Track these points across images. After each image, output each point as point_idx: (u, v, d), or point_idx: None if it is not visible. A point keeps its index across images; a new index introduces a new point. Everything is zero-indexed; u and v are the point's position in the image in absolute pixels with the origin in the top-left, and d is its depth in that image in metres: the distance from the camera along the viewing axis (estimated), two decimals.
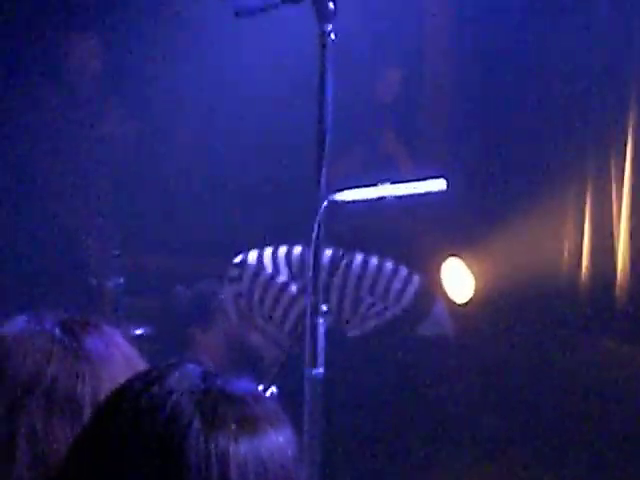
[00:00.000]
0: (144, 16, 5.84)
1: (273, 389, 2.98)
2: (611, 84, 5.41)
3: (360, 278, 4.60)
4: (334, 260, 3.68)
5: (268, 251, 4.57)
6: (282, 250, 4.55)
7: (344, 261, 4.30)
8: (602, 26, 5.39)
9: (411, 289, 4.68)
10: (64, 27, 5.73)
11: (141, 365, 1.46)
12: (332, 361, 2.79)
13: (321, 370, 2.69)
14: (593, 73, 5.45)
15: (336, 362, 2.87)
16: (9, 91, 5.54)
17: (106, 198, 5.53)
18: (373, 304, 4.60)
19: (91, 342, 1.44)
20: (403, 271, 4.75)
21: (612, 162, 5.41)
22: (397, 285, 4.65)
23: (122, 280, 5.13)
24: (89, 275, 5.14)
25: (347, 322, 4.52)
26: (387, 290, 4.65)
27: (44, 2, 5.99)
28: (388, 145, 5.69)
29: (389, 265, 4.72)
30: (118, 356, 1.45)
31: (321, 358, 2.72)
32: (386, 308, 4.60)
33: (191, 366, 1.22)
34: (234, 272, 4.54)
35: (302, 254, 4.20)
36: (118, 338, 1.49)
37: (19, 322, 1.48)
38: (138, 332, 5.03)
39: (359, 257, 4.64)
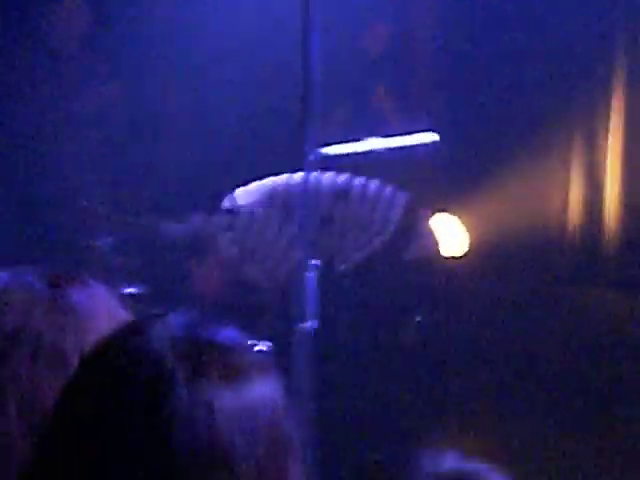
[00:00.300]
0: None
1: (264, 346, 2.98)
2: (595, 35, 5.40)
3: (345, 209, 4.45)
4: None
5: (260, 184, 4.47)
6: (273, 182, 4.42)
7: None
8: None
9: (394, 214, 4.53)
10: None
11: (127, 319, 1.45)
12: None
13: (311, 323, 2.70)
14: (578, 25, 5.43)
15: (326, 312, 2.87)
16: None
17: (94, 156, 5.50)
18: (357, 237, 4.52)
19: (76, 295, 1.44)
20: (386, 193, 4.53)
21: (598, 113, 5.42)
22: (380, 213, 4.49)
23: (111, 239, 5.13)
24: (78, 235, 5.12)
25: (333, 258, 4.42)
26: (371, 220, 4.51)
27: None
28: (378, 99, 5.65)
29: (372, 188, 4.48)
30: (103, 309, 1.45)
31: (312, 312, 2.72)
32: (370, 241, 4.51)
33: (174, 315, 1.21)
34: (228, 203, 4.46)
35: (293, 187, 4.08)
36: (103, 292, 1.49)
37: (2, 277, 1.47)
38: (129, 290, 5.03)
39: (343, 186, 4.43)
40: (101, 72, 5.65)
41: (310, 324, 2.69)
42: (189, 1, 5.66)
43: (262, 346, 3.82)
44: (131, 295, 5.06)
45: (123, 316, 1.47)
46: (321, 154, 2.73)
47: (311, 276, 2.73)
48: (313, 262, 2.75)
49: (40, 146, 5.45)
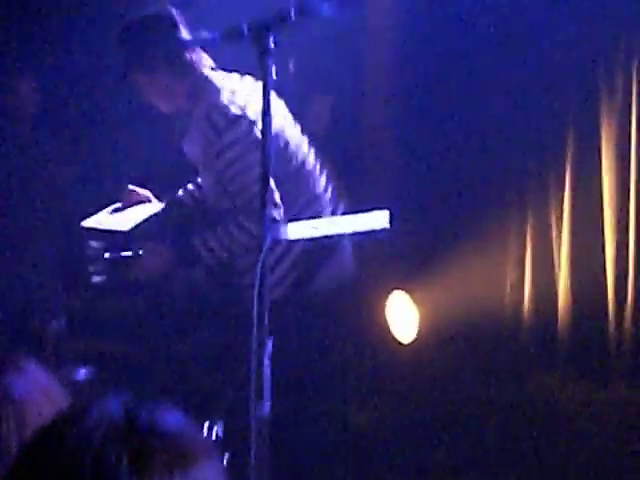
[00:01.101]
0: None
1: (218, 427, 2.95)
2: (548, 115, 5.48)
3: None
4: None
5: None
6: None
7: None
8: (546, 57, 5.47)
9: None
10: None
11: (66, 403, 1.43)
12: None
13: (267, 404, 2.68)
14: (529, 103, 5.52)
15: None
16: None
17: (49, 235, 5.47)
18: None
19: (12, 384, 1.41)
20: None
21: (552, 193, 5.49)
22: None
23: (64, 322, 5.08)
24: (32, 316, 5.08)
25: None
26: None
27: None
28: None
29: None
30: (41, 395, 1.42)
31: (267, 394, 2.70)
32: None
33: (114, 400, 1.17)
34: None
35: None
36: (42, 377, 1.46)
37: None
38: (81, 375, 4.98)
39: None
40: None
41: (267, 405, 2.67)
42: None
43: (216, 427, 3.78)
44: (82, 379, 5.01)
45: (62, 400, 1.44)
46: (277, 236, 2.75)
47: (268, 355, 2.72)
48: (269, 344, 2.74)
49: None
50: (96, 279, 3.95)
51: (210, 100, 3.83)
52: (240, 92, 3.86)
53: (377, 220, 2.99)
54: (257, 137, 3.60)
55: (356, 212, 2.93)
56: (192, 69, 3.72)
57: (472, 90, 5.66)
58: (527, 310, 5.58)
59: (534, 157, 5.58)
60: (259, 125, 3.70)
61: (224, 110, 3.77)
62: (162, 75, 3.82)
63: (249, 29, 2.69)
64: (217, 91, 3.83)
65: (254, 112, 3.77)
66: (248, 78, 3.94)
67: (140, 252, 4.00)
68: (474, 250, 5.54)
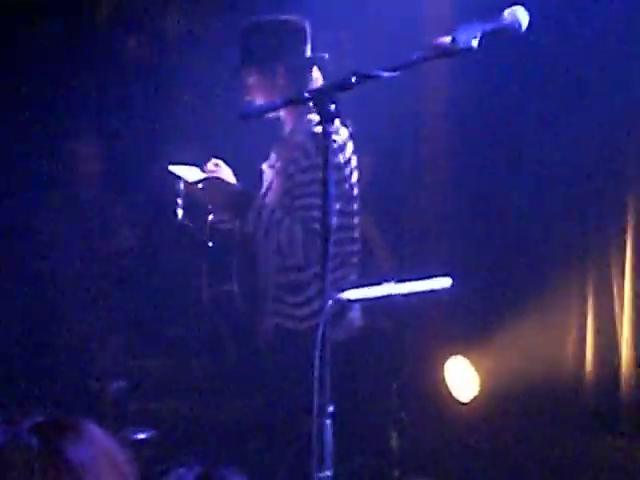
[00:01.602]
0: None
1: None
2: (608, 178, 5.45)
3: None
4: None
5: None
6: None
7: None
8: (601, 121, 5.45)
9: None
10: None
11: (127, 466, 1.42)
12: None
13: (329, 473, 2.65)
14: (593, 168, 5.49)
15: None
16: None
17: (110, 300, 5.52)
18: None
19: (71, 449, 1.40)
20: None
21: (613, 256, 5.43)
22: None
23: (125, 384, 5.10)
24: (91, 378, 5.11)
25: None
26: None
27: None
28: (371, 241, 5.63)
29: None
30: (102, 459, 1.42)
31: (328, 461, 2.68)
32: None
33: (184, 471, 1.17)
34: None
35: None
36: (100, 439, 1.45)
37: None
38: (141, 436, 4.98)
39: None
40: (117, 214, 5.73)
41: (328, 473, 2.65)
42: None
43: None
44: (141, 440, 5.02)
45: (124, 464, 1.43)
46: (339, 299, 2.74)
47: (328, 423, 2.70)
48: (330, 409, 2.72)
49: (54, 290, 5.49)
50: (179, 214, 3.96)
51: (309, 128, 3.87)
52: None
53: (439, 283, 2.98)
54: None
55: (417, 278, 2.91)
56: (304, 85, 3.74)
57: (531, 153, 5.66)
58: (589, 372, 5.50)
59: (595, 220, 5.54)
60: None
61: (317, 138, 3.79)
62: (279, 77, 3.92)
63: (310, 94, 2.73)
64: (312, 121, 3.86)
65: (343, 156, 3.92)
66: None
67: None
68: (535, 313, 5.49)
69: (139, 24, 7.05)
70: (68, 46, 6.49)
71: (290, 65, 3.94)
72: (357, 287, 2.82)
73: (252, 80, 4.01)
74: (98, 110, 6.32)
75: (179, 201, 3.92)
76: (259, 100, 3.99)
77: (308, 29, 4.01)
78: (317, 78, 3.97)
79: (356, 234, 4.07)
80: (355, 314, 4.07)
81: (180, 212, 3.92)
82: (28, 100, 6.18)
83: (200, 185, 3.95)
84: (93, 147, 5.66)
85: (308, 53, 4.00)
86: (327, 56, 4.00)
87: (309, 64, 3.97)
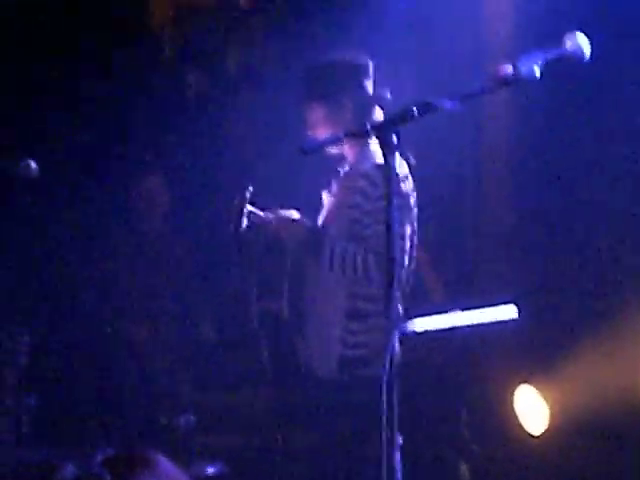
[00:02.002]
0: None
1: None
2: None
3: None
4: None
5: None
6: None
7: None
8: None
9: None
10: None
11: None
12: None
13: None
14: None
15: None
16: None
17: (174, 334, 5.56)
18: None
19: (142, 478, 1.42)
20: None
21: None
22: None
23: (193, 418, 5.12)
24: (160, 413, 5.14)
25: None
26: None
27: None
28: (426, 276, 5.61)
29: None
30: None
31: None
32: None
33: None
34: None
35: None
36: (170, 470, 1.47)
37: (68, 471, 1.46)
38: (211, 470, 5.00)
39: None
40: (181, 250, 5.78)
41: None
42: None
43: None
44: (212, 476, 5.04)
45: None
46: (405, 329, 2.74)
47: (397, 455, 2.70)
48: (399, 441, 2.72)
49: (121, 325, 5.54)
50: (242, 229, 4.01)
51: (373, 159, 3.94)
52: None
53: (505, 312, 2.97)
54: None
55: (484, 306, 2.90)
56: (368, 121, 3.79)
57: (591, 183, 5.62)
58: None
59: None
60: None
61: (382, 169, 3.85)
62: (345, 111, 4.03)
63: (372, 127, 2.74)
64: (376, 153, 3.94)
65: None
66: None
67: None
68: (606, 341, 5.41)
69: (201, 60, 7.15)
70: (129, 82, 6.61)
71: (355, 100, 4.02)
72: (421, 316, 2.82)
73: (317, 115, 4.09)
74: (160, 145, 6.41)
75: (244, 210, 3.98)
76: (321, 135, 4.05)
77: (371, 67, 4.10)
78: (379, 116, 4.05)
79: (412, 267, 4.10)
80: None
81: (244, 222, 3.99)
82: (90, 134, 6.30)
83: (274, 222, 4.02)
84: (156, 182, 5.72)
85: (371, 90, 4.09)
86: (389, 95, 4.08)
87: (373, 100, 4.06)
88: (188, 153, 6.51)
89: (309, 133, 4.10)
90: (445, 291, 5.57)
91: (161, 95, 6.89)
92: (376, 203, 3.92)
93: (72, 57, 6.33)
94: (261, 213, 4.09)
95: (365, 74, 4.10)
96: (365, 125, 2.78)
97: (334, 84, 4.06)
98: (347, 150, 4.10)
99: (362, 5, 6.09)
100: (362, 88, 4.07)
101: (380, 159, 3.94)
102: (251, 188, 4.07)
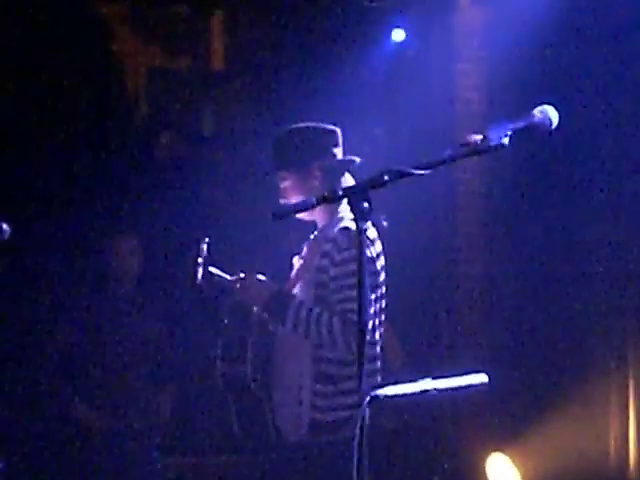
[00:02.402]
0: None
1: None
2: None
3: None
4: None
5: None
6: None
7: None
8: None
9: None
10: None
11: None
12: None
13: None
14: (625, 253, 5.47)
15: None
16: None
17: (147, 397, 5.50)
18: None
19: None
20: None
21: None
22: None
23: None
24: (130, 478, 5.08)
25: None
26: None
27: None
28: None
29: None
30: None
31: None
32: None
33: None
34: None
35: None
36: None
37: None
38: None
39: None
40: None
41: None
42: None
43: None
44: None
45: None
46: (376, 396, 2.73)
47: None
48: None
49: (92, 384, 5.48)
50: (199, 280, 4.01)
51: (339, 223, 3.97)
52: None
53: (475, 379, 2.96)
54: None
55: (454, 375, 2.90)
56: (337, 186, 3.82)
57: (565, 238, 5.67)
58: (633, 468, 5.41)
59: (633, 311, 5.49)
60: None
61: (348, 233, 3.90)
62: (313, 179, 4.08)
63: (344, 192, 2.76)
64: (341, 216, 3.98)
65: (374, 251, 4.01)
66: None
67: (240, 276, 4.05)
68: (575, 408, 5.42)
69: (175, 121, 7.19)
70: (101, 142, 6.63)
71: (325, 167, 4.07)
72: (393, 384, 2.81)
73: (287, 183, 4.14)
74: (134, 212, 6.40)
75: (200, 260, 4.00)
76: (293, 201, 4.08)
77: (339, 134, 4.14)
78: (349, 181, 4.08)
79: (380, 333, 4.10)
80: None
81: (200, 273, 4.01)
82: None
83: (238, 285, 4.02)
84: (127, 242, 5.69)
85: (340, 156, 4.14)
86: (358, 160, 4.12)
87: (342, 167, 4.10)
88: (162, 216, 6.51)
89: (281, 200, 4.14)
90: (406, 360, 5.55)
91: (134, 156, 6.91)
92: (342, 267, 3.94)
93: (41, 117, 6.35)
94: (227, 276, 4.10)
95: (333, 141, 4.15)
96: (336, 190, 2.80)
97: (302, 152, 4.11)
98: (317, 215, 4.13)
99: (336, 71, 6.16)
100: (330, 155, 4.12)
101: (348, 223, 4.02)
102: (207, 240, 4.09)
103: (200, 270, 4.02)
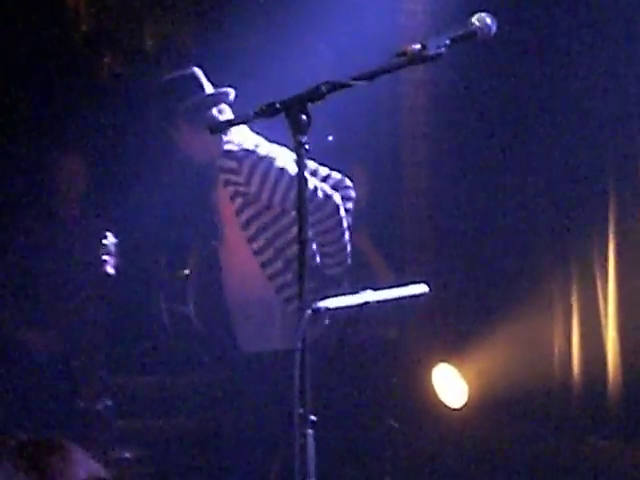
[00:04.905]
0: None
1: None
2: (591, 187, 5.44)
3: None
4: None
5: None
6: None
7: None
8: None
9: None
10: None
11: None
12: None
13: None
14: (574, 171, 5.50)
15: None
16: None
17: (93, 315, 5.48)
18: None
19: (55, 467, 1.43)
20: None
21: (596, 261, 5.43)
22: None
23: (111, 403, 5.08)
24: (78, 398, 5.08)
25: None
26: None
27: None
28: (365, 252, 5.66)
29: None
30: (83, 477, 1.44)
31: (311, 470, 2.68)
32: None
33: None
34: None
35: None
36: (84, 459, 1.48)
37: None
38: (128, 455, 4.97)
39: None
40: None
41: None
42: None
43: None
44: (126, 459, 5.02)
45: None
46: (317, 308, 2.74)
47: (310, 433, 2.70)
48: (312, 418, 2.72)
49: (39, 307, 5.46)
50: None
51: (218, 149, 4.07)
52: (260, 144, 4.04)
53: (417, 289, 2.98)
54: (274, 160, 4.00)
55: (395, 286, 2.91)
56: (211, 124, 3.86)
57: (508, 151, 5.68)
58: (576, 373, 5.50)
59: (577, 221, 5.53)
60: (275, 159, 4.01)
61: (231, 152, 4.02)
62: (186, 130, 4.16)
63: (281, 105, 2.73)
64: (226, 142, 4.01)
65: (266, 149, 4.07)
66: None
67: None
68: (519, 317, 5.49)
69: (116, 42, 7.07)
70: (44, 63, 6.52)
71: (190, 107, 4.15)
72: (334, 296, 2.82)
73: (175, 140, 4.28)
74: (79, 131, 6.32)
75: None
76: (192, 156, 4.14)
77: (200, 74, 4.24)
78: (227, 113, 4.16)
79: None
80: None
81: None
82: None
83: None
84: (72, 160, 5.63)
85: (208, 91, 4.22)
86: (229, 90, 4.15)
87: (210, 101, 4.19)
88: (106, 135, 6.44)
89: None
90: (394, 277, 5.59)
91: (76, 76, 6.80)
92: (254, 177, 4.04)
93: None
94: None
95: (195, 82, 4.20)
96: (274, 103, 2.76)
97: (168, 103, 4.18)
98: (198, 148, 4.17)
99: None
100: (193, 95, 4.17)
101: (230, 146, 4.06)
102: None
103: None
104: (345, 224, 4.14)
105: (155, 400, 5.72)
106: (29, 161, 5.96)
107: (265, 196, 4.02)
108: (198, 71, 4.24)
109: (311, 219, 4.03)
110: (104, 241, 4.36)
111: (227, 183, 4.07)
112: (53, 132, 6.24)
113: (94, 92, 6.72)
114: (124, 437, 5.12)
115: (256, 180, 4.03)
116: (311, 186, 4.01)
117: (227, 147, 4.07)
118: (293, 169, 3.99)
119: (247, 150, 4.08)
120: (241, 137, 4.13)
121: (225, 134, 4.11)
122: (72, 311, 5.32)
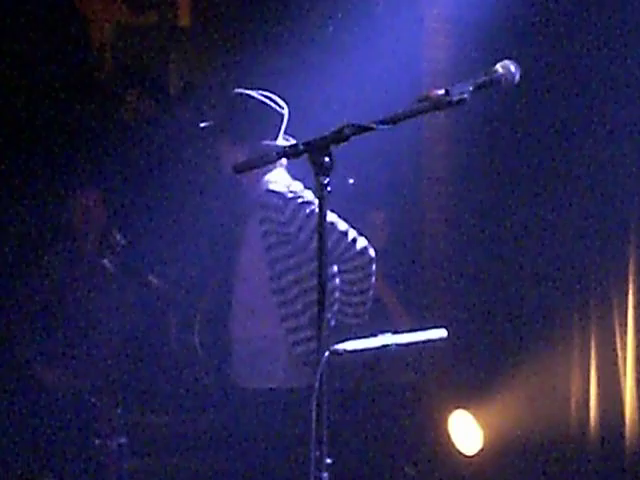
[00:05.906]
0: None
1: None
2: (611, 232, 5.43)
3: None
4: None
5: None
6: None
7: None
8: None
9: None
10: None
11: None
12: None
13: None
14: (594, 221, 5.48)
15: None
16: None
17: (109, 355, 5.49)
18: None
19: None
20: None
21: (615, 309, 5.40)
22: None
23: (125, 440, 5.06)
24: (92, 435, 5.07)
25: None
26: None
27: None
28: (382, 296, 5.66)
29: None
30: None
31: None
32: None
33: None
34: None
35: None
36: None
37: None
38: None
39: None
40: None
41: None
42: None
43: None
44: None
45: None
46: (336, 350, 2.73)
47: (325, 476, 2.69)
48: (327, 461, 2.71)
49: (56, 345, 5.46)
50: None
51: (262, 187, 4.03)
52: (294, 186, 4.05)
53: (435, 334, 2.97)
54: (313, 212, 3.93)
55: (414, 330, 2.91)
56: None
57: (528, 196, 5.68)
58: (593, 425, 5.45)
59: (596, 273, 5.50)
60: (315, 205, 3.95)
61: (278, 192, 4.01)
62: (248, 149, 4.07)
63: (304, 147, 2.74)
64: (269, 181, 4.05)
65: (312, 196, 4.03)
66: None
67: None
68: (537, 366, 5.46)
69: (140, 81, 7.13)
70: (68, 98, 6.56)
71: (263, 149, 4.00)
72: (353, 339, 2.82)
73: (225, 151, 4.16)
74: (99, 167, 6.36)
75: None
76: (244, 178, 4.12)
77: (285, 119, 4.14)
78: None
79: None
80: None
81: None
82: None
83: None
84: (91, 195, 5.65)
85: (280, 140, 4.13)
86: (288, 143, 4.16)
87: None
88: (126, 170, 6.47)
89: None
90: (410, 321, 5.58)
91: (100, 113, 6.86)
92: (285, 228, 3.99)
93: (6, 73, 6.28)
94: None
95: (281, 123, 4.11)
96: (298, 145, 2.77)
97: (254, 128, 4.08)
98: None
99: (303, 25, 6.12)
100: (275, 139, 4.09)
101: (273, 186, 4.03)
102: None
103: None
104: (373, 280, 4.15)
105: (167, 439, 5.70)
106: (50, 198, 5.99)
107: (303, 237, 4.01)
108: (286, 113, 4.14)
109: (343, 267, 4.05)
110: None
111: (264, 220, 4.05)
112: (75, 170, 6.28)
113: (117, 129, 6.77)
114: (136, 476, 5.11)
115: (298, 221, 4.00)
116: (350, 236, 4.01)
117: (271, 187, 4.05)
118: (337, 221, 4.01)
119: (294, 192, 4.07)
120: (285, 179, 4.13)
121: (265, 173, 4.08)
122: (89, 349, 5.33)
